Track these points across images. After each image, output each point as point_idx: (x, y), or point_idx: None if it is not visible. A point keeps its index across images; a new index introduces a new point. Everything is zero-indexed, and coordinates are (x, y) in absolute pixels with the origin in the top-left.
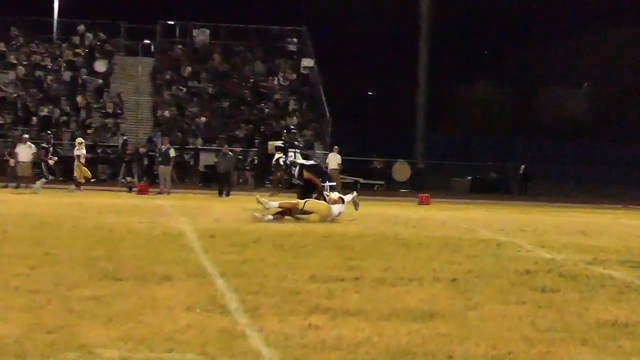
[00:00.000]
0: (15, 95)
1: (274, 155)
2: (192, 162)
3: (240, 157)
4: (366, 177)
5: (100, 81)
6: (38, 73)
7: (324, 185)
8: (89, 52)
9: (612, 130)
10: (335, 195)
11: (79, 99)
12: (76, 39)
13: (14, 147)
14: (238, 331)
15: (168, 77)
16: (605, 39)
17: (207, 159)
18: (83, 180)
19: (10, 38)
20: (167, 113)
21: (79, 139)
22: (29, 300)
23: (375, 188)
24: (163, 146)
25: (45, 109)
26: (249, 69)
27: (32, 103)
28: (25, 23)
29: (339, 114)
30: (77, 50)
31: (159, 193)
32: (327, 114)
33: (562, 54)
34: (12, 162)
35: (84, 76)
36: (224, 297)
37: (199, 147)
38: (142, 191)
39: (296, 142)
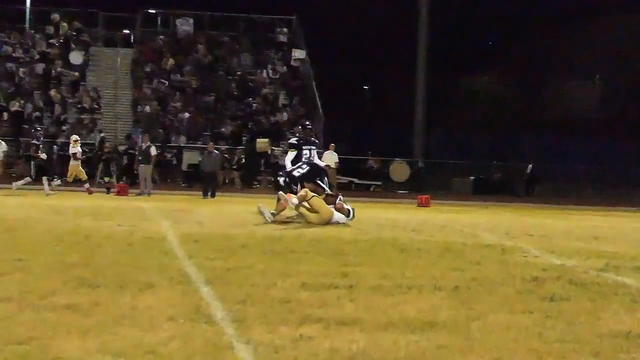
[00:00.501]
0: None
1: (262, 154)
2: (174, 161)
3: (226, 155)
4: (361, 178)
5: (76, 74)
6: (9, 65)
7: (324, 188)
8: (64, 42)
9: (627, 126)
10: (344, 204)
11: (53, 93)
12: (50, 29)
13: None
14: (224, 342)
15: (149, 69)
16: (621, 27)
17: (190, 157)
18: (70, 180)
19: None
20: (147, 108)
21: (75, 136)
22: None
23: (371, 189)
24: (143, 144)
25: (17, 104)
26: (235, 61)
27: (2, 97)
28: None
29: (333, 110)
30: (51, 41)
31: (139, 194)
32: (320, 110)
33: (573, 43)
34: None
35: (59, 69)
36: (210, 306)
37: (182, 145)
38: (121, 192)
39: (312, 139)
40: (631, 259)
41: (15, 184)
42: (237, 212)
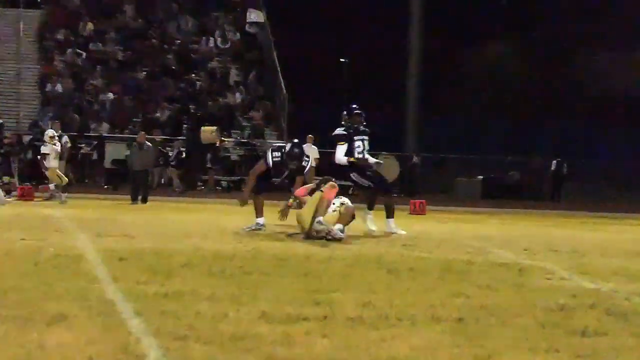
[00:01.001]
0: None
1: (209, 146)
2: (94, 156)
3: (161, 149)
4: (338, 177)
5: None
6: None
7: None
8: None
9: None
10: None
11: None
12: None
13: None
14: None
15: (61, 37)
16: None
17: (115, 151)
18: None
19: None
20: (59, 87)
21: (50, 131)
22: None
23: (350, 192)
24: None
25: None
26: (173, 26)
27: None
28: None
29: (300, 89)
30: None
31: (49, 198)
32: (284, 89)
33: (607, 7)
34: None
35: None
36: (140, 343)
37: (105, 135)
38: (25, 196)
39: (362, 127)
40: None
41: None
42: (177, 221)
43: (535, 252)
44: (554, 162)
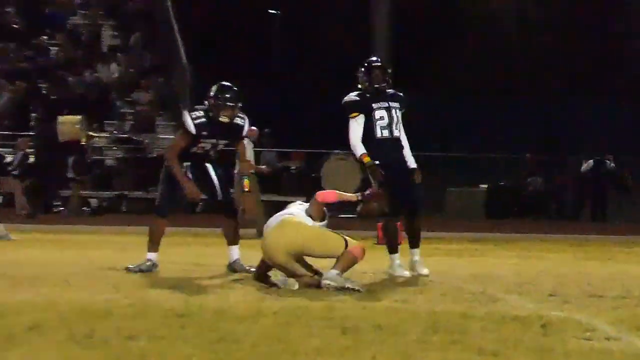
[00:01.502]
0: None
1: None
2: None
3: None
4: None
5: None
6: None
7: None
8: None
9: None
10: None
11: None
12: None
13: None
14: None
15: None
16: None
17: None
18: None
19: None
20: None
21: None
22: None
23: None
24: None
25: None
26: None
27: None
28: None
29: (210, 58)
30: None
31: None
32: (184, 58)
33: None
34: None
35: None
36: None
37: None
38: None
39: (388, 89)
40: None
41: None
42: (23, 259)
43: (566, 299)
44: (590, 161)
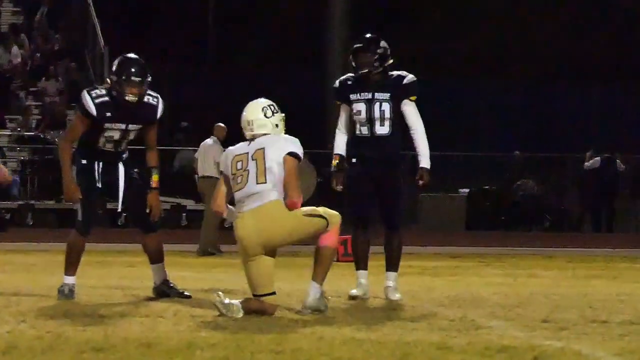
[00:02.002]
0: None
1: None
2: None
3: None
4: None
5: None
6: None
7: None
8: None
9: None
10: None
11: None
12: None
13: None
14: None
15: None
16: None
17: None
18: None
19: None
20: None
21: None
22: None
23: (225, 224)
24: None
25: None
26: None
27: None
28: None
29: (133, 39)
30: None
31: None
32: (101, 38)
33: None
34: None
35: None
36: None
37: None
38: None
39: (373, 77)
40: None
41: None
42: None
43: (563, 325)
44: (597, 158)
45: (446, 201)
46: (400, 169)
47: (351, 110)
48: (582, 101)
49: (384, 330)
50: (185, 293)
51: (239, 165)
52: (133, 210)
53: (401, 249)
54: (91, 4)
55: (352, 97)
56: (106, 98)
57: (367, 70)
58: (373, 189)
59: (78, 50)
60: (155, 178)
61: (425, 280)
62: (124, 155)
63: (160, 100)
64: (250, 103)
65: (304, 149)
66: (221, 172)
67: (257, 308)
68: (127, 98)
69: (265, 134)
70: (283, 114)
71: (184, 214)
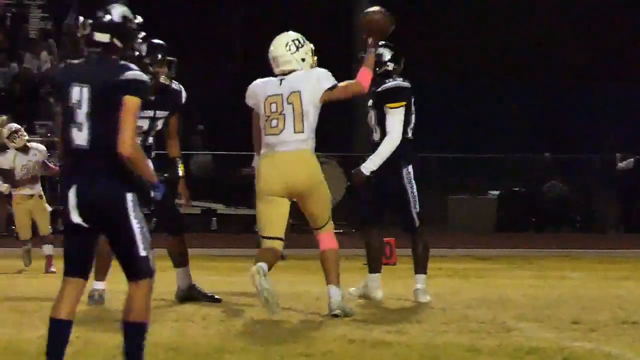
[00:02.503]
0: None
1: None
2: None
3: None
4: (229, 203)
5: None
6: None
7: None
8: None
9: None
10: None
11: None
12: None
13: None
14: None
15: None
16: None
17: None
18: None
19: None
20: None
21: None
22: None
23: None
24: None
25: None
26: None
27: None
28: None
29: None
30: None
31: None
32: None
33: None
34: None
35: None
36: None
37: None
38: None
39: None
40: None
41: None
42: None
43: (593, 327)
44: (630, 160)
45: (476, 203)
46: (401, 173)
47: (412, 108)
48: (609, 101)
49: (413, 333)
50: (215, 297)
51: (274, 107)
52: (162, 210)
53: (427, 251)
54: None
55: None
56: None
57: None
58: (377, 193)
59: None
60: (182, 167)
61: (455, 283)
62: (152, 153)
63: (182, 87)
64: (277, 37)
65: (332, 153)
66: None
67: (267, 258)
68: (160, 80)
69: (291, 70)
70: (311, 45)
71: (214, 219)
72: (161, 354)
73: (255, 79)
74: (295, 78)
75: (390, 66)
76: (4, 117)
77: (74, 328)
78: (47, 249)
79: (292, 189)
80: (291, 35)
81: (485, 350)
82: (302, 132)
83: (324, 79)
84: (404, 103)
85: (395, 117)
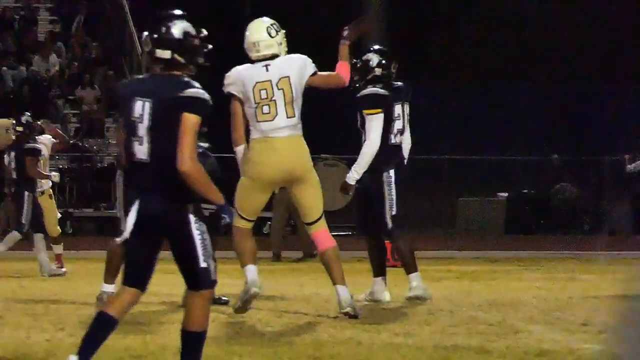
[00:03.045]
0: None
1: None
2: None
3: None
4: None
5: None
6: None
7: None
8: None
9: None
10: None
11: None
12: None
13: None
14: None
15: None
16: None
17: None
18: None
19: None
20: None
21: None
22: None
23: (264, 229)
24: None
25: None
26: None
27: None
28: None
29: None
30: None
31: None
32: (138, 45)
33: None
34: None
35: None
36: None
37: None
38: None
39: (401, 84)
40: None
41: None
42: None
43: (602, 329)
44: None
45: (485, 205)
46: (381, 176)
47: (393, 115)
48: (618, 104)
49: (422, 335)
50: (223, 299)
51: (264, 94)
52: None
53: (406, 252)
54: (128, 11)
55: (395, 101)
56: None
57: (396, 80)
58: (363, 198)
59: (115, 57)
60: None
61: (464, 285)
62: None
63: None
64: (253, 22)
65: (341, 155)
66: (230, 95)
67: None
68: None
69: (273, 55)
70: (284, 30)
71: (221, 222)
72: (170, 356)
73: None
74: (282, 63)
75: (378, 71)
76: (10, 122)
77: (81, 331)
78: (57, 248)
79: (289, 173)
80: (267, 20)
81: (495, 353)
82: (294, 116)
83: (310, 64)
84: (379, 110)
85: (372, 123)
